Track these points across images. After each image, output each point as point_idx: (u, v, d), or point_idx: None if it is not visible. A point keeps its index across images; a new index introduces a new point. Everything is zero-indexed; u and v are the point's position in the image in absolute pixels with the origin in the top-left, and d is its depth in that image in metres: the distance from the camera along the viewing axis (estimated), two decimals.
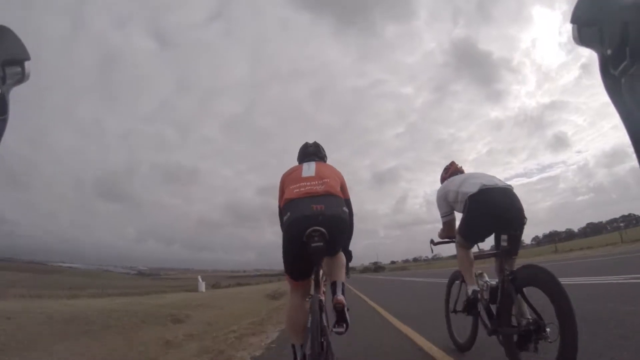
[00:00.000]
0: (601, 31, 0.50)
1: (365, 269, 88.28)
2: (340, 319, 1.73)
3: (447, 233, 2.68)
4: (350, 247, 2.13)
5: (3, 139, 0.57)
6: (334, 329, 1.73)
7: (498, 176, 2.36)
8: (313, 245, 1.68)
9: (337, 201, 1.87)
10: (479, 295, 2.25)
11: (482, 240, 2.38)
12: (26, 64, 0.59)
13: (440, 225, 2.69)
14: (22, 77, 0.59)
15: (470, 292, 2.26)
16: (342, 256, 2.03)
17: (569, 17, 0.56)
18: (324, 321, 1.72)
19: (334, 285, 1.87)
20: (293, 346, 1.74)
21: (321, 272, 1.98)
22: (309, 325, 1.58)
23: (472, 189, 2.25)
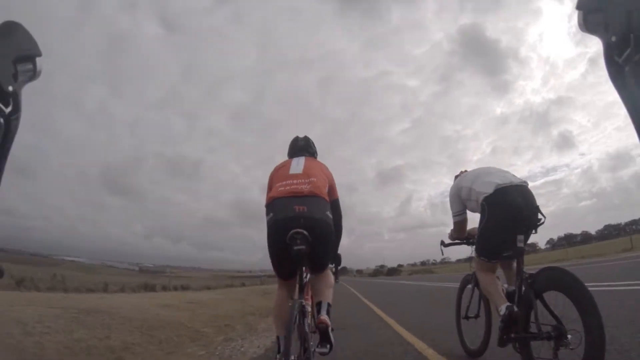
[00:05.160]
0: (606, 18, 0.53)
1: (376, 272, 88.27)
2: (324, 339, 1.75)
3: (459, 234, 2.63)
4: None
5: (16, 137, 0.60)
6: (317, 349, 1.77)
7: None
8: (295, 248, 1.73)
9: (322, 204, 1.90)
10: (514, 311, 1.99)
11: (503, 252, 2.21)
12: (37, 60, 0.61)
13: (451, 226, 2.63)
14: (33, 74, 0.61)
15: (503, 310, 2.02)
16: (329, 275, 2.06)
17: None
18: (306, 327, 1.77)
19: (318, 305, 1.89)
20: (278, 337, 1.81)
21: (308, 274, 2.04)
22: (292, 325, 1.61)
23: (487, 189, 2.18)
